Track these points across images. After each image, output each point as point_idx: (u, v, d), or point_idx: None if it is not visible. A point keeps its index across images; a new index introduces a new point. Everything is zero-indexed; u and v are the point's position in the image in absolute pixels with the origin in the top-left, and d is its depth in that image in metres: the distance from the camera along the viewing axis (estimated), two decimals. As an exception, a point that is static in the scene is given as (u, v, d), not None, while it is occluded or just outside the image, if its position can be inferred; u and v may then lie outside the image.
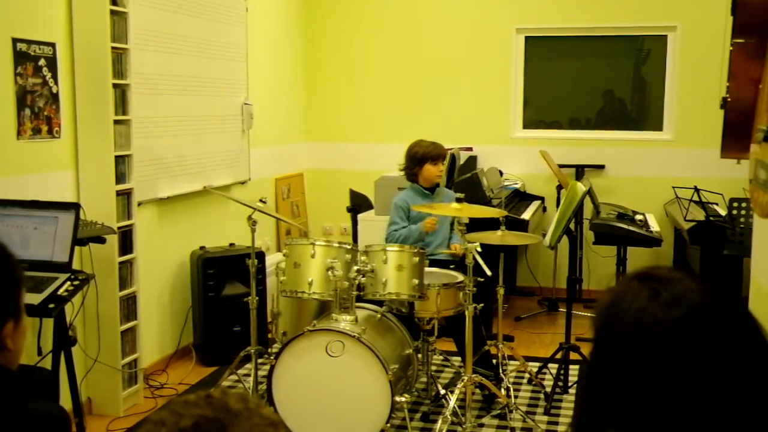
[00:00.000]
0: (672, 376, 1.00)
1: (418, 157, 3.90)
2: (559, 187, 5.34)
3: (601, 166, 5.65)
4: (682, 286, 1.05)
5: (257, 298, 3.67)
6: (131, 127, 3.66)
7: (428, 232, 3.83)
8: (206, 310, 4.31)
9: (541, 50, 5.83)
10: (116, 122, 3.56)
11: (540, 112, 5.94)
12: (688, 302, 1.03)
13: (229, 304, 4.30)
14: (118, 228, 3.58)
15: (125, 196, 3.66)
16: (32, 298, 2.79)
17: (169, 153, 4.21)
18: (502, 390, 3.63)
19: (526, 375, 4.04)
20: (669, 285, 1.04)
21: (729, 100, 2.34)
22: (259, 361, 3.69)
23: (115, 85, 3.54)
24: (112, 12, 3.51)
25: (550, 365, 4.06)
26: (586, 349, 3.93)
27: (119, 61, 3.57)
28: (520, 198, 5.54)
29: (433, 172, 3.90)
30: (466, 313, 3.26)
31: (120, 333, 3.64)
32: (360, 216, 4.89)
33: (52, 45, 3.39)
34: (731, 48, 2.34)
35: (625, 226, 4.55)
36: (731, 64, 2.33)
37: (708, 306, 1.04)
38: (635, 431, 1.00)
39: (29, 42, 3.26)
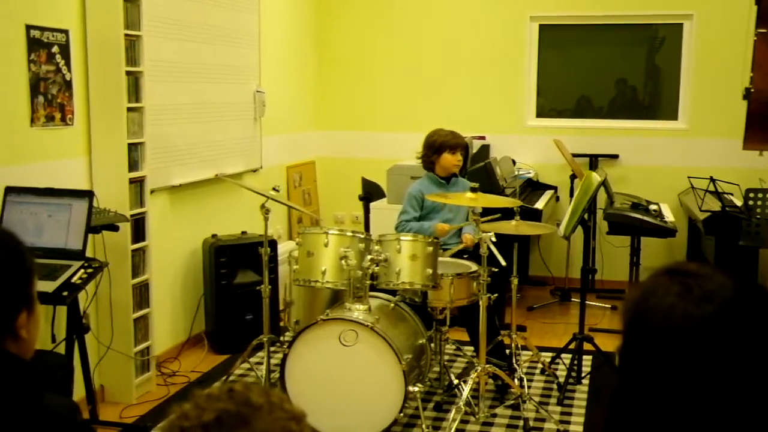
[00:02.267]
0: (703, 372, 0.98)
1: (436, 146, 3.89)
2: (573, 177, 5.30)
3: (615, 156, 5.61)
4: (714, 282, 1.02)
5: (269, 286, 3.67)
6: (144, 114, 3.64)
7: (438, 236, 3.79)
8: (218, 298, 4.31)
9: (554, 38, 5.77)
10: (129, 110, 3.55)
11: (553, 101, 5.89)
12: (720, 297, 1.01)
13: (241, 293, 4.30)
14: (131, 216, 3.58)
15: (138, 183, 3.65)
16: (46, 286, 2.79)
17: (182, 140, 4.20)
18: (515, 380, 3.62)
19: (539, 365, 4.03)
20: (700, 280, 1.02)
21: (752, 90, 2.29)
22: (272, 349, 3.69)
23: (128, 73, 3.52)
24: (125, -1, 3.49)
25: (563, 355, 4.05)
26: (599, 339, 3.91)
27: (132, 48, 3.55)
28: (533, 187, 5.51)
29: (451, 161, 3.89)
30: (480, 303, 3.25)
31: (133, 321, 3.65)
32: (372, 204, 4.88)
33: (65, 32, 3.37)
34: (755, 38, 2.29)
35: (639, 216, 4.52)
36: (755, 54, 2.28)
37: (740, 301, 1.01)
38: (666, 428, 0.98)
39: (42, 29, 3.24)
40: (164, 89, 4.00)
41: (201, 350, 4.35)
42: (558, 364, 4.05)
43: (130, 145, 3.56)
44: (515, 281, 3.74)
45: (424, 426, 3.14)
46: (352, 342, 3.08)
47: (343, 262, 3.20)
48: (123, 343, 3.62)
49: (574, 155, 5.31)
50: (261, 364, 3.78)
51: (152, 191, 3.85)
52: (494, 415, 3.47)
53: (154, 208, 3.93)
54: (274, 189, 3.64)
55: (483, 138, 5.63)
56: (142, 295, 3.72)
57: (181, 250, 4.32)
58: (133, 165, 3.60)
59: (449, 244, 3.87)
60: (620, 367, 1.05)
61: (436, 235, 3.74)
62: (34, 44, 3.20)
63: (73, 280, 2.87)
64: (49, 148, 3.33)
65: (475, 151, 5.21)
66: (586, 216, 3.78)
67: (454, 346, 3.92)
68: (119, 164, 3.54)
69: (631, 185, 5.51)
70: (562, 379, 3.79)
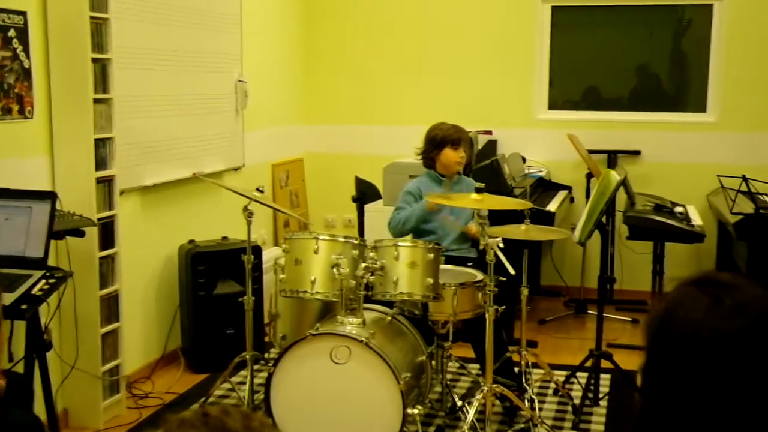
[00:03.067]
0: (736, 392, 0.98)
1: (437, 141, 3.90)
2: (589, 176, 5.31)
3: (636, 152, 5.62)
4: (747, 293, 1.02)
5: (253, 297, 3.66)
6: (113, 106, 3.64)
7: (431, 211, 3.80)
8: (196, 310, 4.30)
9: (568, 22, 5.78)
10: (96, 101, 3.54)
11: (567, 91, 5.89)
12: (754, 310, 1.00)
13: (221, 305, 4.29)
14: (99, 219, 3.57)
15: (106, 183, 3.65)
16: (2, 299, 2.77)
17: (155, 136, 4.19)
18: (526, 402, 3.62)
19: (552, 385, 4.02)
20: (732, 291, 1.02)
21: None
22: (256, 367, 3.68)
23: (94, 60, 3.52)
24: (91, -23, 3.48)
25: (578, 374, 4.04)
26: (619, 356, 3.90)
27: (99, 32, 3.55)
28: (544, 187, 5.51)
29: (453, 157, 3.90)
30: (486, 315, 3.25)
31: (100, 336, 3.64)
32: (366, 206, 4.88)
33: (23, 14, 3.36)
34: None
35: (663, 220, 4.52)
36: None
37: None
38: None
39: (-2, 11, 3.23)
40: (135, 78, 4.00)
41: (176, 369, 4.34)
42: (573, 383, 4.05)
43: (97, 140, 3.56)
44: (525, 292, 3.74)
45: (424, 453, 3.13)
46: (344, 359, 3.08)
47: (334, 270, 3.20)
48: (89, 361, 3.61)
49: (591, 151, 5.32)
50: (243, 384, 3.77)
51: (122, 192, 3.84)
52: (503, 441, 3.47)
53: (125, 210, 3.92)
54: (257, 189, 3.64)
55: (489, 133, 5.64)
56: (110, 307, 3.71)
57: (154, 258, 4.32)
58: (100, 163, 3.59)
59: (452, 249, 3.87)
60: (643, 387, 1.05)
61: (427, 209, 3.76)
62: (-11, 28, 3.19)
63: (33, 292, 2.86)
64: (6, 144, 3.32)
65: (480, 147, 5.22)
66: (603, 219, 3.78)
67: (457, 364, 3.92)
68: (85, 162, 3.53)
69: (654, 185, 5.52)
70: (577, 401, 3.79)
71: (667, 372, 1.01)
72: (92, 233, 3.52)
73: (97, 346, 3.63)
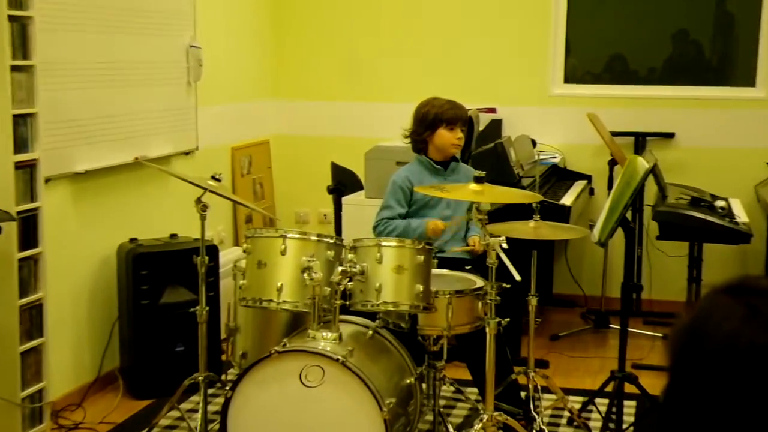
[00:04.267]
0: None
1: (429, 119, 3.91)
2: (612, 163, 5.33)
3: (670, 135, 5.64)
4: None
5: (207, 308, 3.66)
6: (35, 75, 3.63)
7: (431, 237, 3.80)
8: (138, 323, 4.30)
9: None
10: (13, 69, 3.53)
11: (588, 61, 5.91)
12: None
13: (169, 316, 4.30)
14: (18, 213, 3.56)
15: (27, 169, 3.64)
16: None
17: (89, 112, 4.19)
18: (535, 433, 3.63)
19: (566, 413, 4.05)
20: (770, 300, 1.03)
21: None
22: (210, 392, 3.68)
23: (11, 18, 3.50)
24: None
25: (597, 400, 4.06)
26: (646, 379, 3.93)
27: (19, -15, 3.53)
28: (559, 177, 5.53)
29: (449, 139, 3.91)
30: (487, 329, 3.27)
31: (19, 355, 3.63)
32: (345, 199, 4.88)
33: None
34: None
35: (701, 216, 4.54)
36: None
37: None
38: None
39: None
40: (63, 42, 3.99)
41: (114, 394, 4.33)
42: (591, 411, 4.08)
43: (16, 117, 3.55)
44: (534, 301, 3.75)
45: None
46: (316, 382, 3.09)
47: (305, 275, 3.21)
48: (6, 384, 3.61)
49: (615, 134, 5.34)
50: (195, 411, 3.78)
51: (48, 180, 3.84)
52: (506, 480, 3.48)
53: (51, 202, 3.91)
54: (213, 178, 3.63)
55: (493, 111, 5.65)
56: (33, 320, 3.71)
57: (87, 260, 4.31)
58: (20, 144, 3.59)
59: (445, 251, 3.87)
60: (664, 411, 1.06)
61: (429, 236, 3.75)
62: None
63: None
64: None
65: (482, 128, 5.21)
66: (629, 215, 3.79)
67: (452, 388, 3.93)
68: (1, 143, 3.51)
69: (691, 174, 5.55)
70: (597, 432, 3.81)
71: (695, 393, 1.03)
72: (10, 230, 3.51)
73: (16, 367, 3.62)
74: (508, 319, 3.39)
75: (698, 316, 1.05)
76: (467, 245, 3.90)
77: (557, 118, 5.75)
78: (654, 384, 3.94)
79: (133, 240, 4.42)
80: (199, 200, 3.54)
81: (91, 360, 4.37)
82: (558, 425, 4.02)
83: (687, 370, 1.03)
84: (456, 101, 3.99)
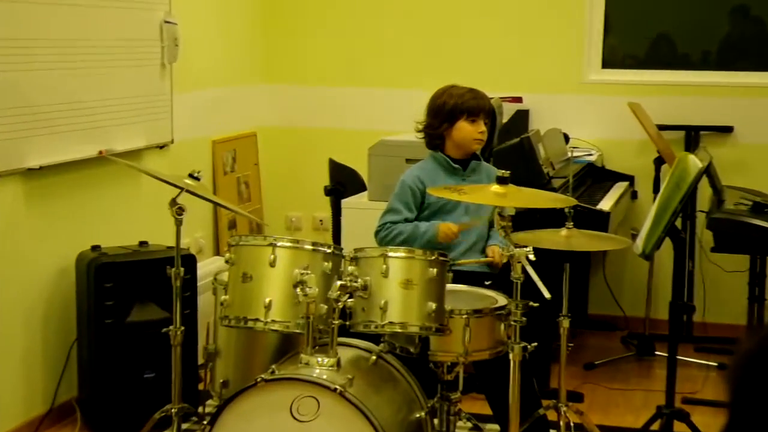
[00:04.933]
0: None
1: (447, 110, 3.91)
2: (659, 161, 5.33)
3: (728, 129, 5.64)
4: None
5: (182, 327, 3.66)
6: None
7: (442, 242, 3.80)
8: (100, 346, 4.30)
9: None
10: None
11: (630, 42, 5.91)
12: None
13: (137, 337, 4.30)
14: (-36, 215, 3.56)
15: (-25, 164, 3.64)
16: None
17: (45, 98, 4.19)
18: (566, 478, 3.63)
19: (603, 455, 4.03)
20: None
21: None
22: (185, 426, 3.67)
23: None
24: None
25: (640, 440, 4.06)
26: (699, 416, 3.92)
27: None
28: (595, 177, 5.54)
29: (470, 133, 3.91)
30: (510, 356, 3.25)
31: (-35, 380, 3.62)
32: (345, 202, 4.89)
33: None
34: None
35: (765, 224, 4.53)
36: None
37: None
38: None
39: None
40: (14, 15, 3.99)
41: (71, 428, 4.34)
42: (633, 453, 4.07)
43: (-38, 103, 3.55)
44: (566, 323, 3.74)
45: None
46: (310, 415, 3.08)
47: (298, 290, 3.20)
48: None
49: (661, 127, 5.33)
50: (167, 450, 3.76)
51: (-2, 177, 3.84)
52: None
53: None
54: (191, 176, 3.64)
55: (518, 100, 5.66)
56: (-21, 340, 3.70)
57: (41, 271, 4.31)
58: (-33, 135, 3.58)
59: (464, 258, 3.87)
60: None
61: (440, 241, 3.75)
62: None
63: None
64: None
65: (505, 120, 5.21)
66: (678, 223, 3.79)
67: (469, 424, 3.92)
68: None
69: (752, 175, 5.55)
70: (638, 478, 3.80)
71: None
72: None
73: (-39, 395, 3.62)
74: (535, 344, 3.36)
75: (763, 343, 1.04)
76: (486, 256, 3.89)
77: (594, 109, 5.75)
78: (708, 423, 3.94)
79: (95, 248, 4.41)
80: (174, 202, 3.55)
81: (44, 389, 4.35)
82: (593, 469, 4.01)
83: (752, 405, 1.02)
84: (477, 89, 3.99)
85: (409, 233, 3.84)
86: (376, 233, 3.92)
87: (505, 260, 3.47)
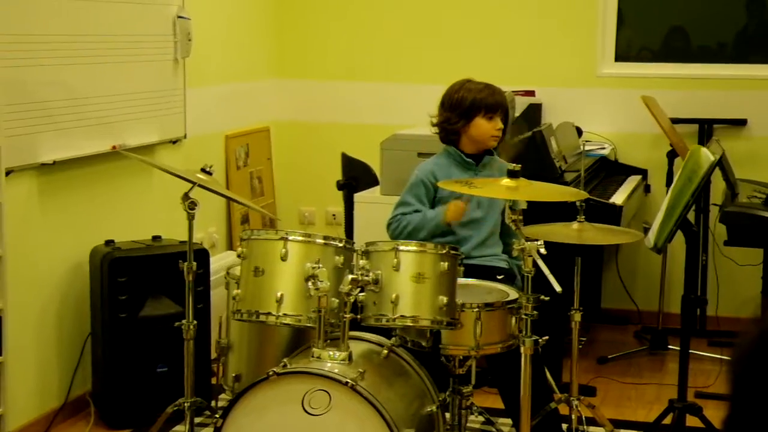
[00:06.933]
0: None
1: (464, 106, 3.92)
2: (672, 155, 5.31)
3: (741, 122, 5.62)
4: None
5: (195, 321, 3.67)
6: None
7: (451, 223, 3.81)
8: (114, 340, 4.31)
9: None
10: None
11: (644, 35, 5.89)
12: None
13: (150, 332, 4.31)
14: (-22, 210, 3.57)
15: (-12, 159, 3.66)
16: None
17: (57, 93, 4.20)
18: (578, 472, 3.63)
19: (616, 449, 4.03)
20: None
21: None
22: (197, 420, 3.68)
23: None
24: None
25: (653, 434, 4.06)
26: (711, 410, 3.91)
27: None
28: (608, 171, 5.53)
29: (487, 130, 3.92)
30: (522, 349, 3.26)
31: (-22, 375, 3.64)
32: (357, 196, 4.88)
33: None
34: None
35: (777, 218, 4.52)
36: None
37: None
38: None
39: None
40: (25, 9, 3.99)
41: (84, 422, 4.35)
42: (646, 447, 4.07)
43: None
44: (578, 317, 3.74)
45: None
46: (322, 408, 3.09)
47: (310, 284, 3.21)
48: (-37, 409, 3.62)
49: (675, 120, 5.32)
50: (180, 443, 3.78)
51: (9, 172, 3.86)
52: None
53: (13, 198, 3.93)
54: (204, 170, 3.65)
55: (531, 93, 5.65)
56: (-7, 334, 3.72)
57: (56, 266, 4.33)
58: (-20, 130, 3.60)
59: (475, 256, 3.88)
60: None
61: (448, 219, 3.79)
62: None
63: None
64: None
65: (518, 113, 5.20)
66: (691, 216, 3.78)
67: (481, 418, 3.93)
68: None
69: (766, 168, 5.54)
70: (651, 471, 3.80)
71: (760, 426, 1.02)
72: (-31, 229, 3.53)
73: (-25, 389, 3.64)
74: (546, 338, 3.36)
75: (765, 333, 1.04)
76: (503, 250, 3.91)
77: (607, 102, 5.74)
78: (721, 417, 3.90)
79: (109, 243, 4.42)
80: (186, 196, 3.55)
81: (59, 383, 4.37)
82: (605, 462, 4.01)
83: (753, 397, 1.03)
84: (493, 85, 3.99)
85: (418, 222, 3.86)
86: (388, 226, 3.95)
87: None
